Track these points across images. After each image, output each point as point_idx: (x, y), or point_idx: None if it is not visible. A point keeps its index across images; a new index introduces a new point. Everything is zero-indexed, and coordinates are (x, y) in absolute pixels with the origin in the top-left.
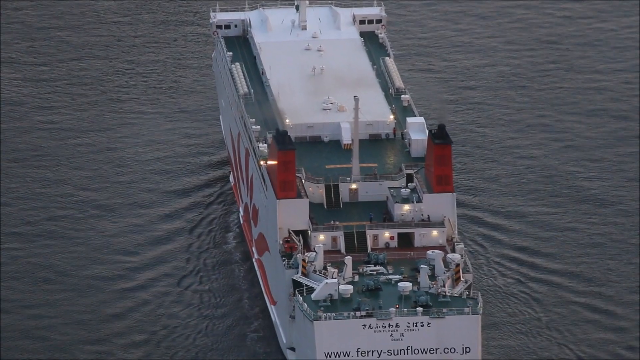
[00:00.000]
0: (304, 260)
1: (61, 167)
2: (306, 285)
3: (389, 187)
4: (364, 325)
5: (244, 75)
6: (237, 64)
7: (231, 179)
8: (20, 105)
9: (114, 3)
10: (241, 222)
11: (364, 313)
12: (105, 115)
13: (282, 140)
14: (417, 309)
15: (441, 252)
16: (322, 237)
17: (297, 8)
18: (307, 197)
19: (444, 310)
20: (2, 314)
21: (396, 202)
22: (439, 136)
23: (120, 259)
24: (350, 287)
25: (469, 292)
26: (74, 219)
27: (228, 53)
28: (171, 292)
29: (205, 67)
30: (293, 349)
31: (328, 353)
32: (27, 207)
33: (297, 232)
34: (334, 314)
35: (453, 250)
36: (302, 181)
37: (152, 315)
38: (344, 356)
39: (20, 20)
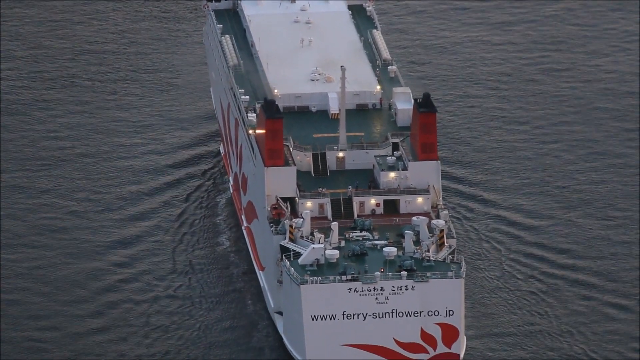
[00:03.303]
0: (291, 226)
1: (56, 146)
2: (293, 250)
3: (375, 156)
4: (350, 289)
5: (233, 47)
6: (227, 36)
7: (221, 149)
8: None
9: None
10: (231, 191)
11: (349, 277)
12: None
13: (270, 109)
14: (402, 273)
15: (426, 218)
16: (309, 204)
17: None
18: (295, 165)
19: (428, 274)
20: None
21: (382, 169)
22: (424, 105)
23: (110, 234)
24: (337, 252)
25: (453, 257)
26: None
27: (218, 26)
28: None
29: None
30: (280, 313)
31: (314, 316)
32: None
33: (284, 199)
34: (320, 277)
35: (437, 217)
36: (289, 149)
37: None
38: (330, 319)
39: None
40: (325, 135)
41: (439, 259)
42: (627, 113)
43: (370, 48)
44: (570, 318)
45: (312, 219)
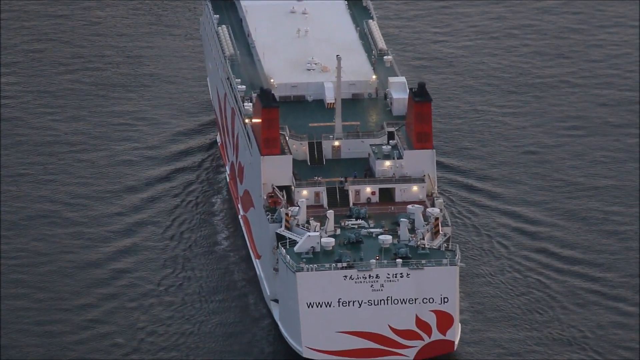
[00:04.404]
0: (287, 214)
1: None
2: (289, 238)
3: (370, 145)
4: (345, 276)
5: (230, 37)
6: (224, 26)
7: (218, 139)
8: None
9: None
10: (227, 180)
11: (345, 264)
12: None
13: (266, 98)
14: (397, 260)
15: (421, 206)
16: (305, 192)
17: None
18: (291, 154)
19: (423, 261)
20: None
21: (377, 158)
22: (419, 94)
23: (105, 224)
24: (332, 239)
25: (448, 245)
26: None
27: (215, 16)
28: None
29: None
30: (276, 301)
31: (310, 303)
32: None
33: (280, 188)
34: (316, 265)
35: (433, 205)
36: (286, 138)
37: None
38: (326, 306)
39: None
40: (321, 124)
41: (434, 247)
42: (628, 107)
43: (366, 38)
44: (573, 313)
45: (308, 207)
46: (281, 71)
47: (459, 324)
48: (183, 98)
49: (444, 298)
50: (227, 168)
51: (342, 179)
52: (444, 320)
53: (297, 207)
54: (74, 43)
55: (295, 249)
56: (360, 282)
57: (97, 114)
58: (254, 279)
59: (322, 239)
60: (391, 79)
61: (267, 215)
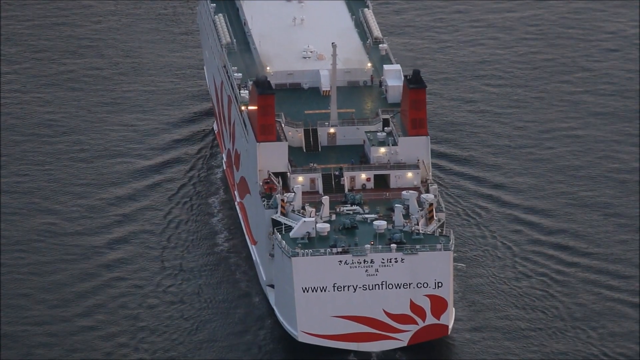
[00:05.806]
0: (283, 200)
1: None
2: (285, 224)
3: (365, 131)
4: (340, 261)
5: (226, 26)
6: (220, 15)
7: (215, 127)
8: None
9: None
10: (224, 167)
11: (340, 250)
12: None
13: (262, 85)
14: (391, 245)
15: (415, 192)
16: (300, 178)
17: None
18: (287, 141)
19: (417, 246)
20: None
21: (372, 145)
22: (413, 81)
23: (103, 215)
24: (327, 225)
25: (442, 230)
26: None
27: (211, 5)
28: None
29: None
30: (272, 286)
31: (305, 288)
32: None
33: (276, 174)
34: (311, 250)
35: (427, 191)
36: (281, 125)
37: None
38: (321, 291)
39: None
40: (317, 111)
41: (428, 232)
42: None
43: (361, 26)
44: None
45: (304, 193)
46: (277, 59)
47: (453, 309)
48: (179, 90)
49: (438, 283)
50: (224, 156)
51: (337, 173)
52: (438, 305)
53: (293, 193)
54: (71, 37)
55: (291, 234)
56: (355, 267)
57: (93, 110)
58: (252, 265)
59: (317, 225)
60: (386, 67)
61: (263, 201)
